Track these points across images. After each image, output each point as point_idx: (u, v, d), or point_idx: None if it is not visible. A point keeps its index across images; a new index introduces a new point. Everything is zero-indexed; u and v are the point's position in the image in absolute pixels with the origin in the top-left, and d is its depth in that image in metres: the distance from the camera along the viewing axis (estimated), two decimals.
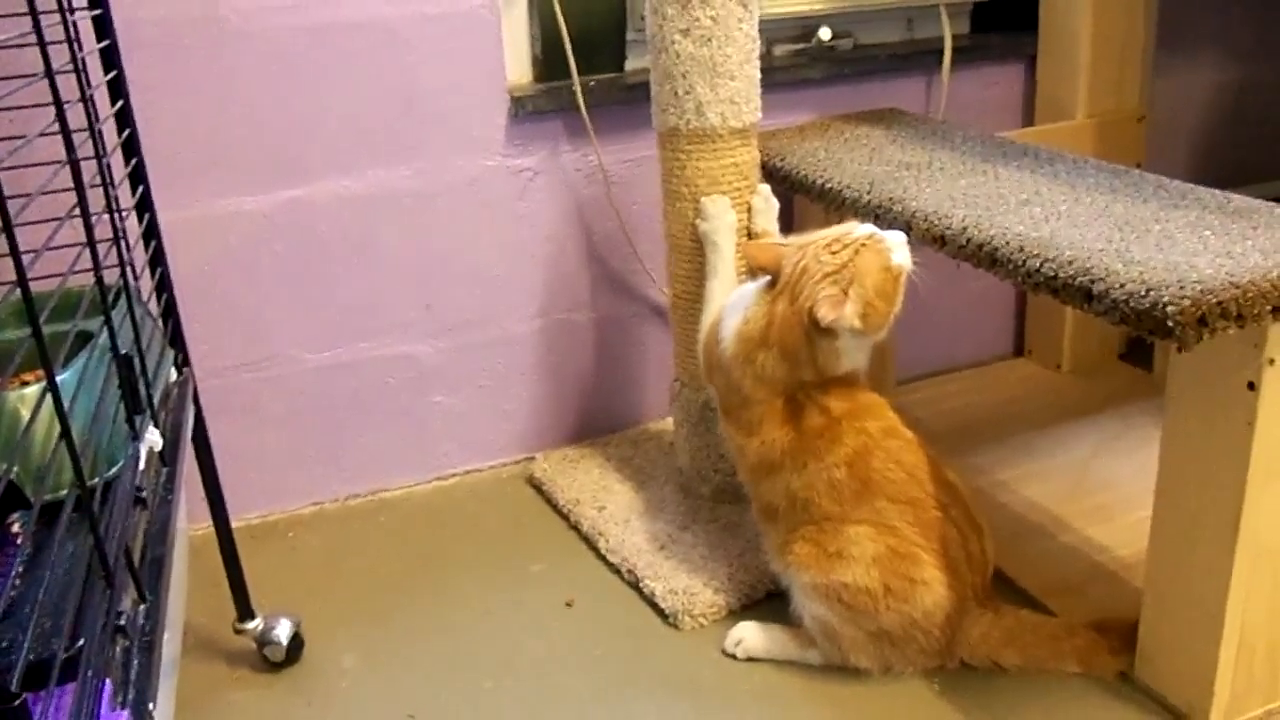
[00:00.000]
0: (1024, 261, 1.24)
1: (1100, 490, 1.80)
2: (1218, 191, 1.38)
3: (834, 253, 1.33)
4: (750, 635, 1.49)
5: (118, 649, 0.82)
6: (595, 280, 2.02)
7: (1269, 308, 1.08)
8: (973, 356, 2.29)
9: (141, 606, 0.91)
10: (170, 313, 1.38)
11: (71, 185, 0.94)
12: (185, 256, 1.75)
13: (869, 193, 1.53)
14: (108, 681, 0.76)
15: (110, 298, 1.07)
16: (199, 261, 1.78)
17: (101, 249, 1.03)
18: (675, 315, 1.74)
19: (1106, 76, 2.03)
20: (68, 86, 0.98)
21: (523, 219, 1.94)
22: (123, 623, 0.82)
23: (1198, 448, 1.23)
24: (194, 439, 1.43)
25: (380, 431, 1.97)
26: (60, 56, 1.06)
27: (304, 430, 1.92)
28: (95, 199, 1.08)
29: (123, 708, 0.78)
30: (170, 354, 1.33)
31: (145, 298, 1.33)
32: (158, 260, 1.36)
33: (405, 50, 1.78)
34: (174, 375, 1.33)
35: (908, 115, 1.96)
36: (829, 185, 1.61)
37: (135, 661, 0.84)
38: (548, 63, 1.89)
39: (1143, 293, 1.09)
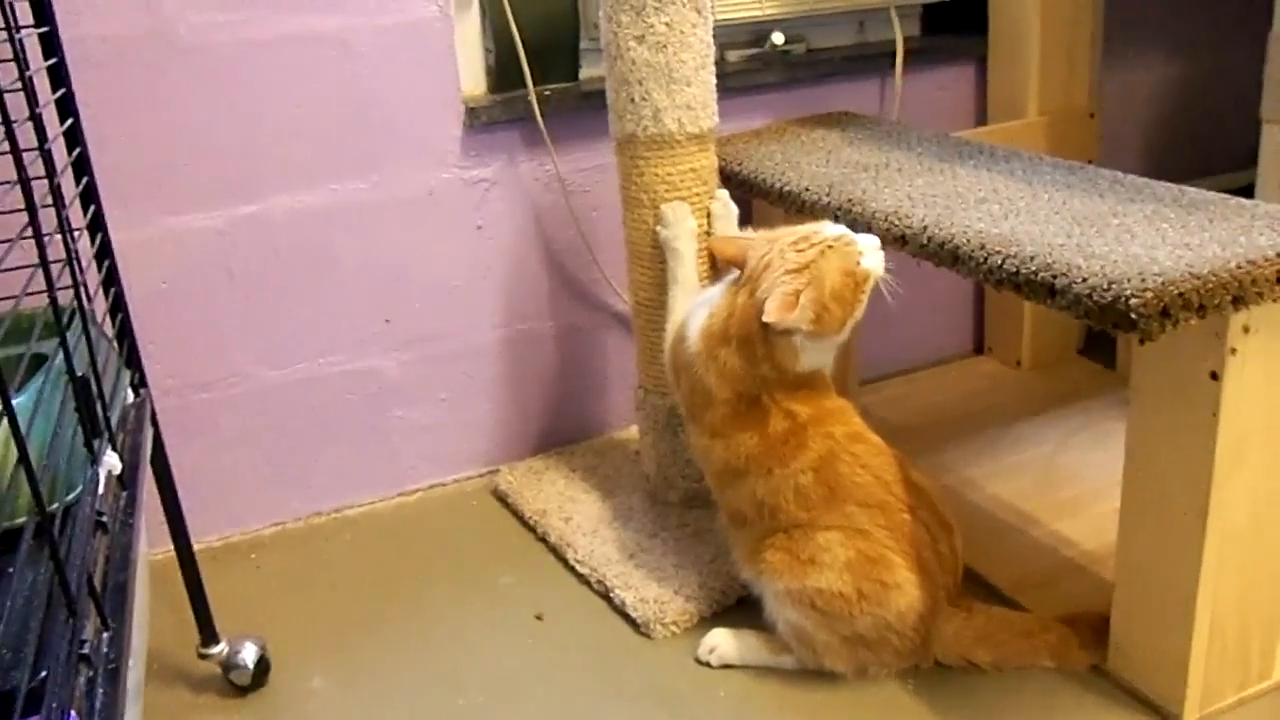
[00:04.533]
0: (985, 259, 1.24)
1: (1066, 485, 1.82)
2: (1173, 185, 1.40)
3: (799, 251, 1.32)
4: (723, 642, 1.49)
5: (82, 679, 0.79)
6: (556, 290, 2.00)
7: (1229, 298, 1.09)
8: (933, 355, 2.31)
9: (105, 634, 0.89)
10: (126, 333, 1.35)
11: (21, 206, 0.92)
12: (140, 276, 1.72)
13: (828, 195, 1.53)
14: (73, 714, 0.73)
15: (65, 319, 1.04)
16: (154, 281, 1.74)
17: (55, 270, 1.00)
18: (637, 322, 1.73)
19: (1056, 74, 2.06)
20: (15, 105, 0.96)
21: (481, 230, 1.92)
22: (86, 651, 0.80)
23: (1163, 439, 1.24)
24: (153, 461, 1.39)
25: (342, 448, 1.94)
26: (8, 75, 1.03)
27: (264, 449, 1.89)
28: (47, 220, 1.06)
29: None
30: (126, 375, 1.30)
31: (100, 319, 1.30)
32: (111, 280, 1.32)
33: (358, 62, 1.76)
34: (131, 397, 1.30)
35: (862, 118, 1.97)
36: (788, 189, 1.61)
37: (100, 691, 0.82)
38: (502, 73, 1.88)
39: (1105, 286, 1.10)
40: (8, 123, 0.89)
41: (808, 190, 1.58)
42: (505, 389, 2.02)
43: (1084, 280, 1.13)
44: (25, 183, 0.92)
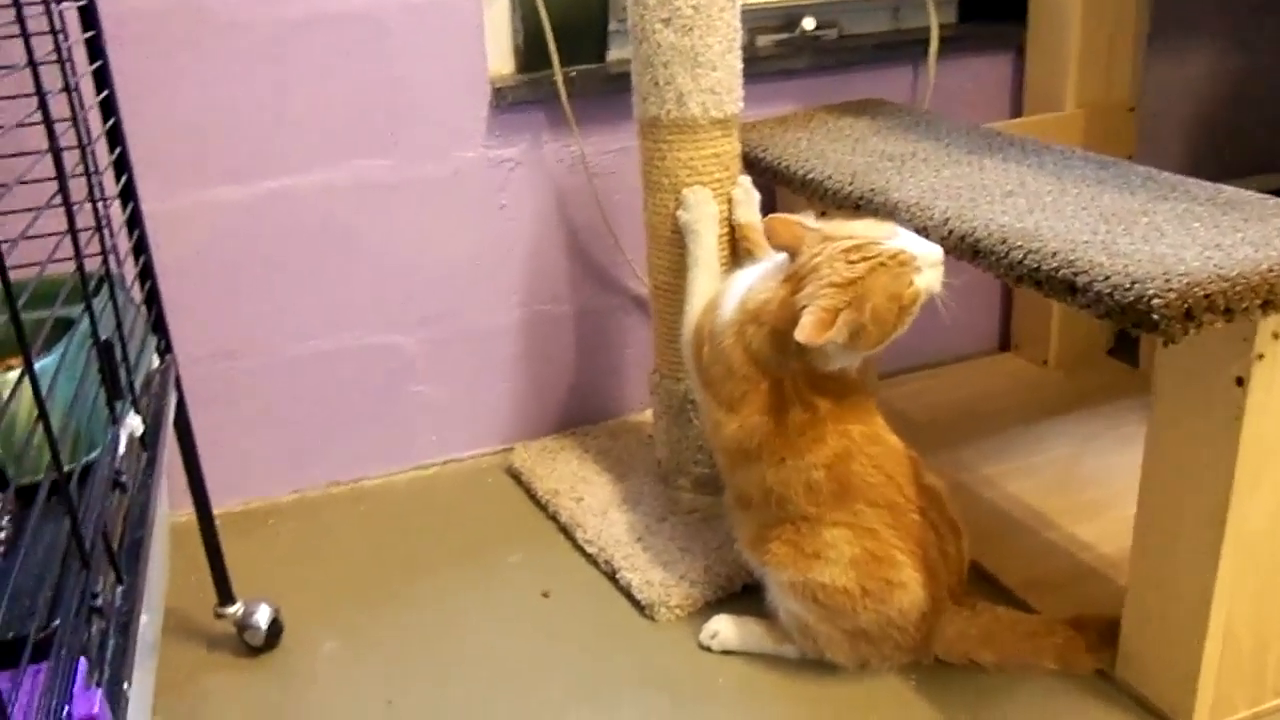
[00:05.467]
0: (1007, 253, 1.23)
1: (1086, 487, 1.80)
2: (1208, 183, 1.37)
3: (850, 262, 1.25)
4: (725, 628, 1.49)
5: (94, 629, 0.81)
6: (576, 271, 2.00)
7: (1258, 302, 1.07)
8: (958, 351, 2.29)
9: (119, 588, 0.90)
10: (153, 300, 1.36)
11: (54, 174, 0.93)
12: (170, 246, 1.73)
13: (851, 184, 1.52)
14: (82, 660, 0.75)
15: (93, 285, 1.06)
16: (186, 251, 1.76)
17: (84, 237, 1.02)
18: (655, 306, 1.73)
19: (1096, 66, 2.03)
20: (54, 78, 0.97)
21: (504, 210, 1.92)
22: (99, 604, 0.81)
23: (1184, 444, 1.22)
24: (176, 425, 1.41)
25: (361, 420, 1.95)
26: (46, 48, 1.05)
27: (285, 418, 1.91)
28: (79, 188, 1.07)
29: (97, 686, 0.76)
30: (153, 341, 1.32)
31: (129, 285, 1.32)
32: (141, 248, 1.34)
33: (387, 41, 1.77)
34: (156, 362, 1.32)
35: (892, 106, 1.95)
36: (811, 176, 1.60)
37: (111, 641, 0.83)
38: (529, 53, 1.87)
39: (1127, 285, 1.09)
40: (40, 93, 0.90)
41: (830, 179, 1.56)
42: (523, 368, 2.02)
43: (1106, 278, 1.11)
44: (56, 152, 0.93)
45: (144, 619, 1.13)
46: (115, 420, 0.99)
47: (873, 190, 1.48)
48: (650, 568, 1.62)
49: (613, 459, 1.93)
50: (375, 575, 1.71)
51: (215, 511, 1.87)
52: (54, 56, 1.08)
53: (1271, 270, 1.07)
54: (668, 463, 1.80)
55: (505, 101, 1.86)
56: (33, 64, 0.92)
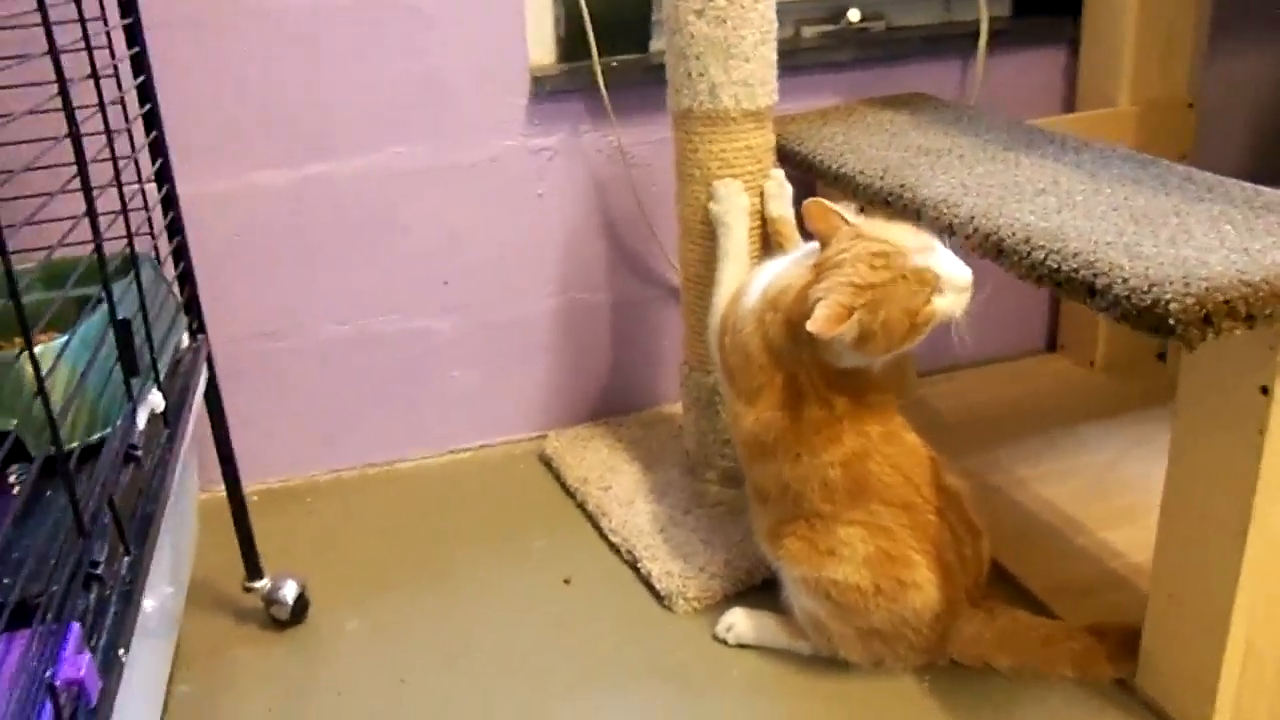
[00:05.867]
0: (1029, 253, 1.21)
1: (1122, 493, 1.75)
2: (1249, 185, 1.32)
3: (874, 267, 1.24)
4: (741, 622, 1.49)
5: (91, 595, 0.84)
6: (613, 261, 2.01)
7: None
8: (1002, 350, 2.25)
9: (125, 558, 0.93)
10: (187, 281, 1.40)
11: (72, 158, 0.96)
12: (215, 228, 1.78)
13: (881, 179, 1.50)
14: (75, 626, 0.78)
15: (115, 266, 1.10)
16: (228, 232, 1.80)
17: (112, 220, 1.06)
18: (686, 298, 1.73)
19: (1152, 61, 1.97)
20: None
21: (542, 198, 1.94)
22: (99, 571, 0.84)
23: (1207, 452, 1.19)
24: (208, 403, 1.45)
25: (398, 403, 1.99)
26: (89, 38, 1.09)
27: (325, 399, 1.95)
28: (105, 172, 1.11)
29: (92, 651, 0.79)
30: (183, 320, 1.35)
31: (161, 264, 1.36)
32: (175, 229, 1.38)
33: (428, 28, 1.79)
34: (186, 341, 1.36)
35: (936, 100, 1.92)
36: (843, 170, 1.58)
37: (112, 610, 0.86)
38: (571, 42, 1.88)
39: (1145, 289, 1.06)
40: (61, 79, 0.93)
41: (862, 174, 1.55)
42: (558, 356, 2.04)
43: (1124, 281, 1.08)
44: (76, 138, 0.96)
45: (166, 590, 1.17)
46: (132, 397, 1.02)
47: (902, 186, 1.46)
48: (671, 559, 1.62)
49: (643, 449, 1.94)
50: (403, 556, 1.74)
51: (255, 488, 1.94)
52: (89, 44, 1.11)
53: None
54: (695, 455, 1.80)
55: (544, 91, 1.87)
56: (54, 53, 0.94)
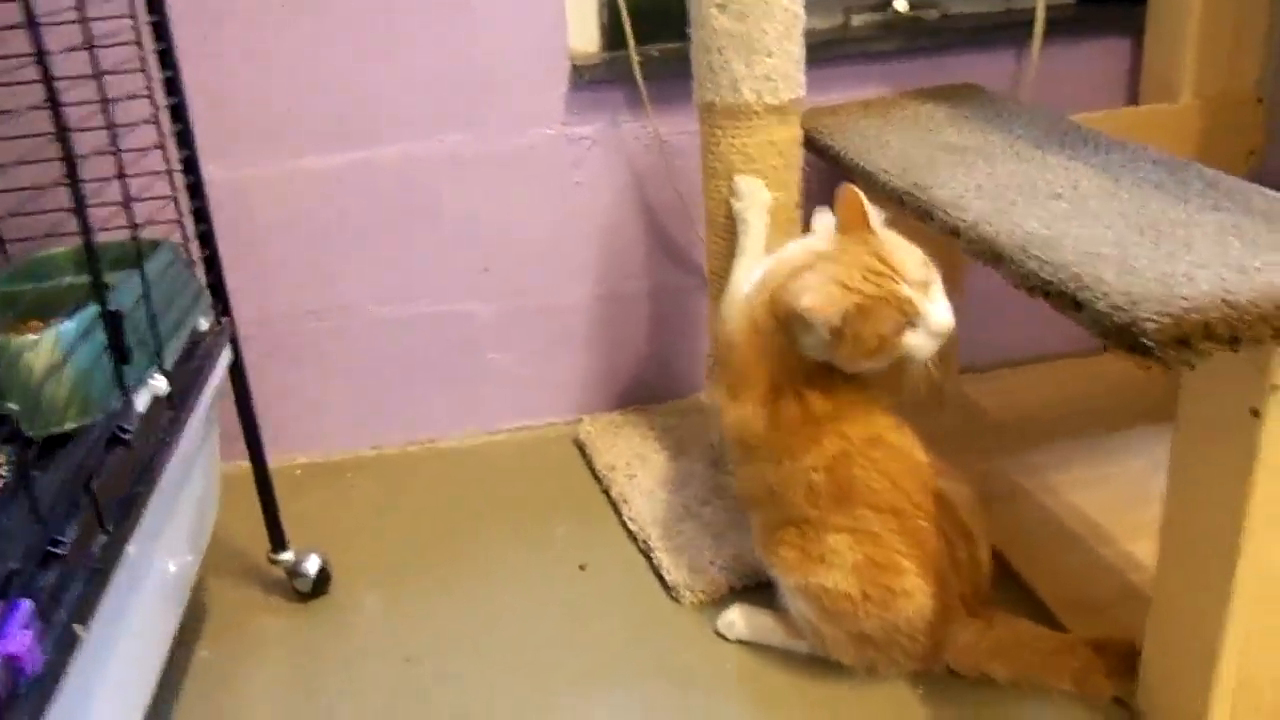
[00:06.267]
0: (1023, 262, 1.17)
1: (1155, 503, 1.66)
2: (1276, 194, 1.26)
3: (866, 279, 1.25)
4: (742, 619, 1.49)
5: (52, 575, 0.90)
6: (650, 250, 2.02)
7: (1269, 331, 0.99)
8: (1053, 348, 2.17)
9: (102, 538, 1.00)
10: (211, 267, 1.47)
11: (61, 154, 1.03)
12: (264, 211, 1.86)
13: (899, 178, 1.47)
14: (25, 603, 0.84)
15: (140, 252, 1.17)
16: (276, 215, 1.88)
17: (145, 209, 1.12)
18: (711, 290, 1.73)
19: (1219, 54, 1.87)
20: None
21: (580, 187, 1.96)
22: (61, 551, 0.90)
23: (1201, 475, 1.14)
24: (233, 384, 1.53)
25: (438, 384, 2.04)
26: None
27: (368, 378, 2.02)
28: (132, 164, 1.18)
29: (46, 626, 0.85)
30: (203, 304, 1.42)
31: (184, 249, 1.43)
32: (200, 217, 1.44)
33: (471, 17, 1.82)
34: (204, 325, 1.42)
35: (984, 93, 1.86)
36: (866, 167, 1.56)
37: (76, 586, 0.92)
38: (615, 30, 1.89)
39: (1124, 306, 1.02)
40: (49, 80, 0.99)
41: (883, 171, 1.52)
42: (595, 342, 2.06)
43: (1105, 296, 1.05)
44: (62, 131, 1.02)
45: (170, 560, 1.24)
46: (123, 383, 1.09)
47: (917, 185, 1.43)
48: (683, 550, 1.64)
49: (673, 438, 1.95)
50: (430, 534, 1.80)
51: (301, 461, 2.03)
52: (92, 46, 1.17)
53: None
54: (719, 447, 1.81)
55: (583, 80, 1.89)
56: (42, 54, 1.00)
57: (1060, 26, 1.97)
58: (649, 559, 1.67)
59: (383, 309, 1.98)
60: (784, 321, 1.30)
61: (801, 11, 1.56)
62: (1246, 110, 1.90)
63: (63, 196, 1.05)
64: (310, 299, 1.95)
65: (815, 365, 1.32)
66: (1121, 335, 1.02)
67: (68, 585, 0.91)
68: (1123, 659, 1.31)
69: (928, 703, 1.37)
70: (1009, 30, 1.99)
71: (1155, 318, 0.99)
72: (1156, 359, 1.00)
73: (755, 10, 1.51)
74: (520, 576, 1.68)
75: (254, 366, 1.95)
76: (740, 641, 1.50)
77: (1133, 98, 2.03)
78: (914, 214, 1.42)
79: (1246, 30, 1.85)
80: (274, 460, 1.97)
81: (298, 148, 1.85)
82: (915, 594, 1.32)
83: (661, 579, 1.63)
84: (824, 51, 1.94)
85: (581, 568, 1.69)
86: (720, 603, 1.56)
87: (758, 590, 1.57)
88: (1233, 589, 1.12)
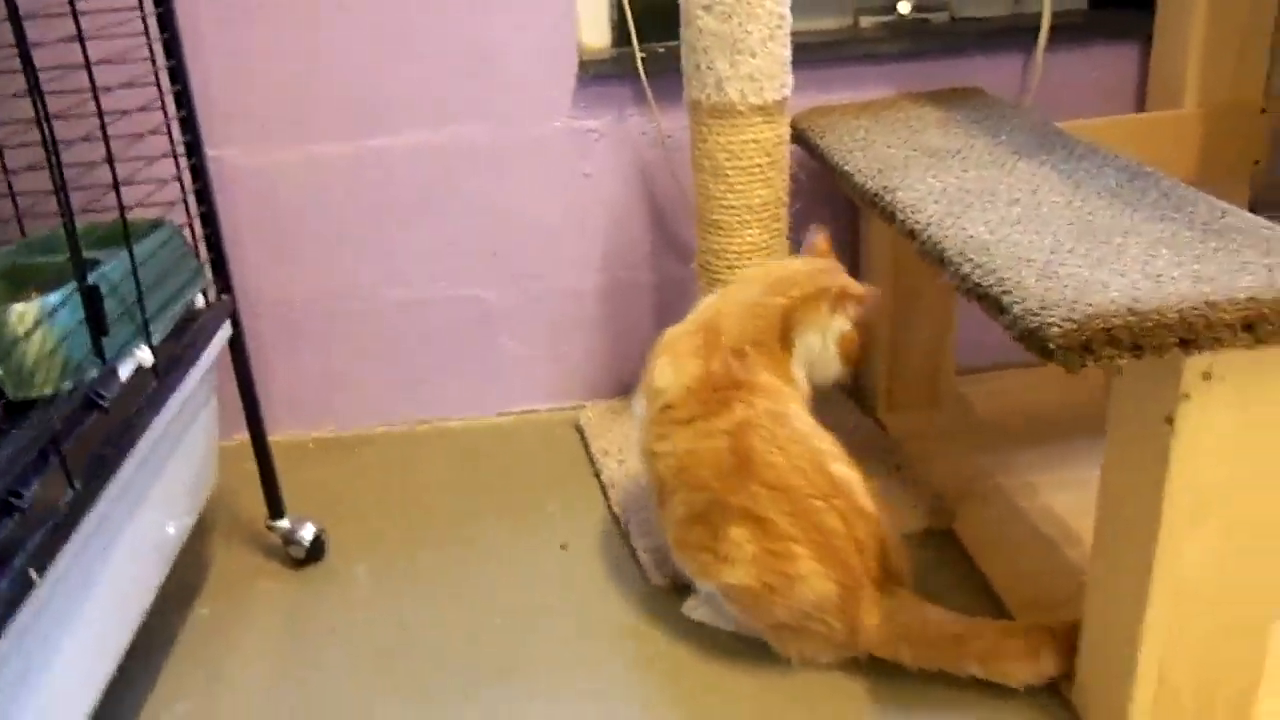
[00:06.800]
0: (960, 265, 1.20)
1: None
2: (1225, 206, 1.26)
3: (757, 313, 1.46)
4: (705, 603, 1.54)
5: (9, 522, 0.99)
6: (655, 242, 2.08)
7: (1173, 339, 1.01)
8: None
9: (70, 493, 1.09)
10: (213, 246, 1.56)
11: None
12: (282, 195, 1.97)
13: (872, 179, 1.51)
14: None
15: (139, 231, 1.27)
16: (294, 199, 1.98)
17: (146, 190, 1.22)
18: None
19: (1223, 62, 1.85)
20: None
21: (587, 178, 2.02)
22: (20, 503, 0.99)
23: (1125, 479, 1.17)
24: (233, 358, 1.62)
25: (448, 365, 2.13)
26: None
27: (382, 358, 2.11)
28: (145, 147, 1.27)
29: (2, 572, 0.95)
30: (198, 282, 1.52)
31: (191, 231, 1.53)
32: (203, 198, 1.54)
33: (486, 12, 1.89)
34: (200, 302, 1.52)
35: (983, 97, 1.88)
36: (845, 167, 1.59)
37: (35, 538, 1.01)
38: (625, 27, 1.94)
39: (1035, 310, 1.05)
40: (30, 71, 1.08)
41: (859, 172, 1.55)
42: (600, 330, 2.13)
43: (1022, 301, 1.07)
44: (42, 123, 1.12)
45: (155, 528, 1.34)
46: (100, 353, 1.18)
47: (885, 188, 1.46)
48: (659, 534, 1.69)
49: None
50: (427, 509, 1.88)
51: (314, 436, 2.13)
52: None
53: (1194, 308, 1.00)
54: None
55: (591, 75, 1.95)
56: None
57: (1069, 32, 1.97)
58: (627, 541, 1.73)
59: (396, 292, 2.07)
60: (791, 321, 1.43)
61: (787, 13, 1.59)
62: (1249, 119, 1.88)
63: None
64: (327, 281, 2.05)
65: (765, 336, 1.38)
66: (1031, 339, 1.05)
67: (28, 535, 1.00)
68: (1032, 644, 1.32)
69: (873, 686, 1.41)
70: (1018, 35, 1.99)
71: (1060, 323, 1.02)
72: (1061, 364, 1.03)
73: (739, 11, 1.56)
74: (505, 551, 1.76)
75: (271, 344, 2.08)
76: (704, 624, 1.55)
77: (1141, 105, 2.02)
78: (881, 215, 1.46)
79: (1252, 39, 1.84)
80: (289, 434, 2.09)
81: (316, 135, 1.94)
82: (811, 578, 1.34)
83: (637, 561, 1.68)
84: (832, 52, 1.97)
85: (563, 547, 1.76)
86: (690, 587, 1.61)
87: None
88: (1149, 591, 1.14)
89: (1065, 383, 2.10)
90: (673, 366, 1.46)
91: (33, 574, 0.97)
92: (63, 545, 1.04)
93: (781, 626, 1.39)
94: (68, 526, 1.05)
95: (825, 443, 1.41)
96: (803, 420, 1.41)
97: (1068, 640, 1.31)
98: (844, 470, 1.39)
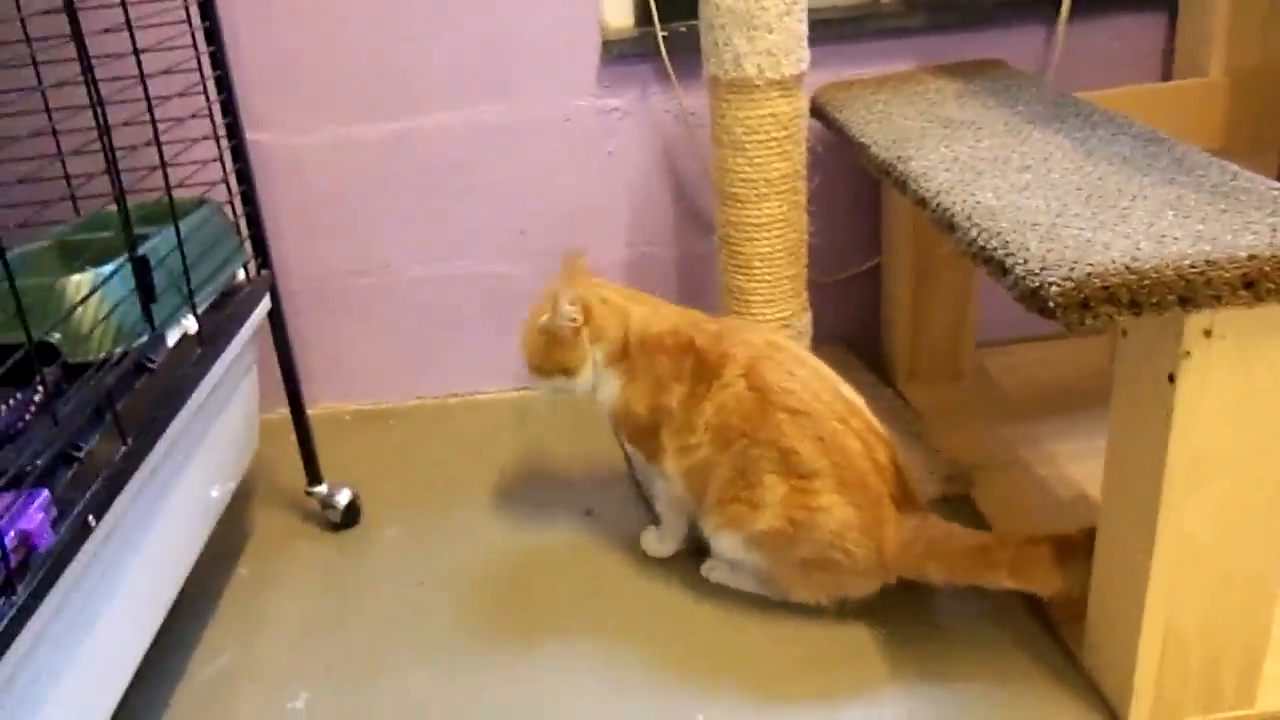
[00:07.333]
0: (967, 230, 1.23)
1: None
2: (1234, 168, 1.28)
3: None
4: (722, 565, 1.59)
5: (69, 472, 1.06)
6: (678, 218, 2.11)
7: (1173, 298, 1.03)
8: None
9: (122, 448, 1.16)
10: (253, 224, 1.63)
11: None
12: (314, 176, 2.03)
13: (886, 150, 1.53)
14: (44, 492, 1.00)
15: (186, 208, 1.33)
16: (325, 180, 2.04)
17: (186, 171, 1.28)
18: (719, 258, 1.82)
19: (1250, 29, 1.85)
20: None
21: (611, 156, 2.06)
22: (78, 455, 1.06)
23: (1130, 438, 1.19)
24: (273, 331, 1.69)
25: (477, 340, 2.19)
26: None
27: (413, 332, 2.18)
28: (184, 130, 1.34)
29: (61, 516, 1.01)
30: (239, 258, 1.58)
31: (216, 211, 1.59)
32: (243, 178, 1.60)
33: None
34: (241, 276, 1.59)
35: (1004, 69, 1.89)
36: (860, 139, 1.62)
37: (95, 486, 1.08)
38: (648, 6, 1.97)
39: (1037, 270, 1.08)
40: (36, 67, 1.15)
41: (875, 143, 1.58)
42: None
43: (1024, 263, 1.10)
44: (96, 108, 1.18)
45: (200, 488, 1.41)
46: (150, 320, 1.25)
47: (898, 158, 1.49)
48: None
49: None
50: (455, 477, 1.95)
51: (350, 408, 2.20)
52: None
53: (1194, 266, 1.03)
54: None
55: (614, 54, 1.99)
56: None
57: (1093, 1, 1.97)
58: (648, 507, 1.78)
59: (426, 269, 2.13)
60: None
61: None
62: (1275, 87, 1.87)
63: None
64: (357, 258, 2.11)
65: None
66: (1032, 298, 1.08)
67: (87, 484, 1.07)
68: (1059, 552, 1.33)
69: (884, 647, 1.45)
70: (1040, 6, 2.00)
71: (1060, 282, 1.05)
72: (1061, 322, 1.05)
73: None
74: (528, 517, 1.82)
75: (307, 320, 2.14)
76: (721, 585, 1.60)
77: (1167, 75, 2.02)
78: (894, 184, 1.49)
79: (1279, 4, 1.83)
80: (327, 407, 2.16)
81: (344, 116, 2.00)
82: (832, 507, 1.39)
83: (655, 527, 1.73)
84: (854, 28, 2.00)
85: (587, 513, 1.81)
86: (707, 550, 1.66)
87: None
88: (1154, 547, 1.17)
89: (1084, 355, 2.12)
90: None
91: (91, 520, 1.04)
92: (117, 495, 1.10)
93: (807, 563, 1.43)
94: (121, 478, 1.12)
95: (826, 369, 1.47)
96: (788, 340, 1.49)
97: (1089, 547, 1.31)
98: (852, 393, 1.45)
